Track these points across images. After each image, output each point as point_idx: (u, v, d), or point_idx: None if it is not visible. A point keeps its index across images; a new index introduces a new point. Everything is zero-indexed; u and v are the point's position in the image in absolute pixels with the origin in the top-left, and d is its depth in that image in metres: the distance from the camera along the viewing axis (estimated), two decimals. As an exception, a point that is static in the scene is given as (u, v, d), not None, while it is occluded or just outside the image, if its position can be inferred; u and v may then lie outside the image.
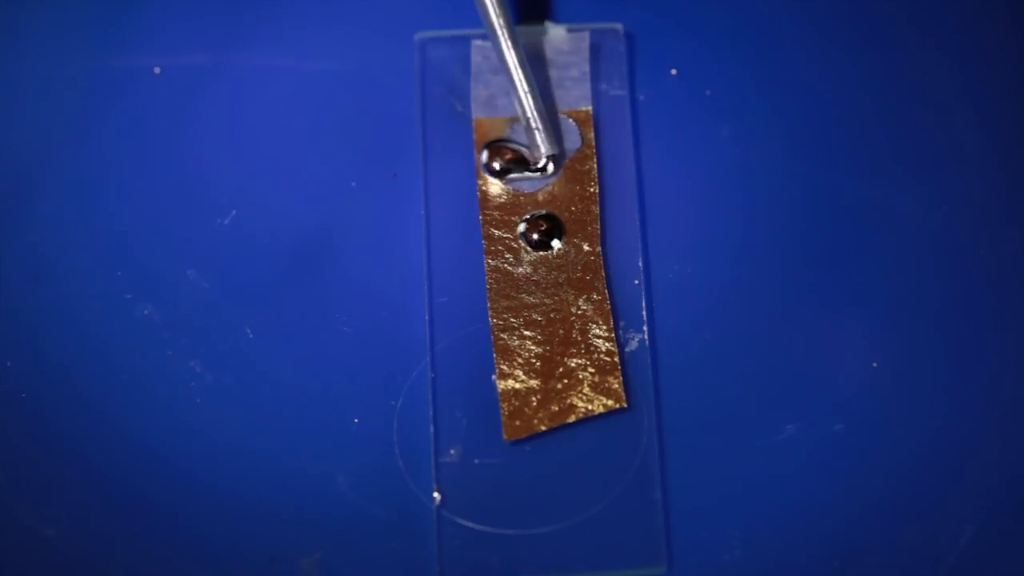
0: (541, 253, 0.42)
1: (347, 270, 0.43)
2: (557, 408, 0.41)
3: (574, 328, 0.41)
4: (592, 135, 0.43)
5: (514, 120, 0.43)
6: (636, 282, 0.42)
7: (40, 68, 0.45)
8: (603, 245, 0.42)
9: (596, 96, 0.44)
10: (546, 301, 0.42)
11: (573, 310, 0.42)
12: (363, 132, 0.44)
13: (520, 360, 0.41)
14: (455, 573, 0.39)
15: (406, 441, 0.41)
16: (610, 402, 0.41)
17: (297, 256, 0.43)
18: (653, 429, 0.41)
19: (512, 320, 0.41)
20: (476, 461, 0.40)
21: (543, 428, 0.40)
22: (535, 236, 0.42)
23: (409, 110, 0.44)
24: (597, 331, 0.41)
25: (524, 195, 0.43)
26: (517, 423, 0.40)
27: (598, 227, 0.42)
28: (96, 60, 0.45)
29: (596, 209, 0.43)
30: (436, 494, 0.40)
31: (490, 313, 0.41)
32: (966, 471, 0.41)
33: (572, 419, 0.40)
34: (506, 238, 0.42)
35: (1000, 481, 0.41)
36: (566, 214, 0.42)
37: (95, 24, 0.45)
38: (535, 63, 0.44)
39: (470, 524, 0.40)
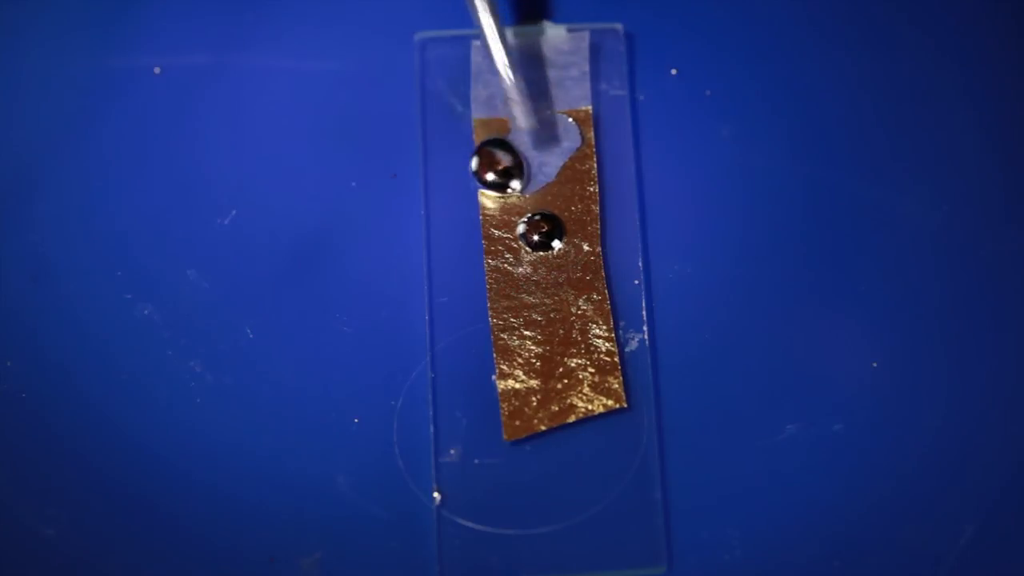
0: (541, 253, 0.42)
1: (347, 270, 0.43)
2: (557, 408, 0.41)
3: (574, 328, 0.41)
4: (592, 135, 0.43)
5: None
6: (636, 282, 0.42)
7: (40, 68, 0.45)
8: (603, 245, 0.42)
9: (596, 96, 0.44)
10: (546, 301, 0.42)
11: (573, 310, 0.42)
12: (363, 132, 0.44)
13: (520, 360, 0.41)
14: (455, 573, 0.39)
15: (406, 441, 0.41)
16: (610, 402, 0.41)
17: (297, 256, 0.43)
18: (653, 429, 0.41)
19: (512, 320, 0.41)
20: (476, 461, 0.40)
21: (543, 428, 0.40)
22: (535, 237, 0.42)
23: (409, 110, 0.44)
24: (597, 331, 0.41)
25: (524, 195, 0.43)
26: (517, 423, 0.40)
27: (598, 227, 0.42)
28: (96, 60, 0.45)
29: (596, 209, 0.43)
30: (436, 494, 0.40)
31: (490, 313, 0.42)
32: (966, 471, 0.41)
33: (572, 419, 0.41)
34: (506, 238, 0.42)
35: (1000, 481, 0.41)
36: (566, 214, 0.42)
37: (95, 24, 0.45)
38: (535, 63, 0.44)
39: (470, 524, 0.40)
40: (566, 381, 0.41)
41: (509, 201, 0.43)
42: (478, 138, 0.43)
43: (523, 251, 0.42)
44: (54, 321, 0.42)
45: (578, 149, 0.43)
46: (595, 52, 0.44)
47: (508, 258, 0.42)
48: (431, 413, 0.41)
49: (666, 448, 0.41)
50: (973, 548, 0.40)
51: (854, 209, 0.43)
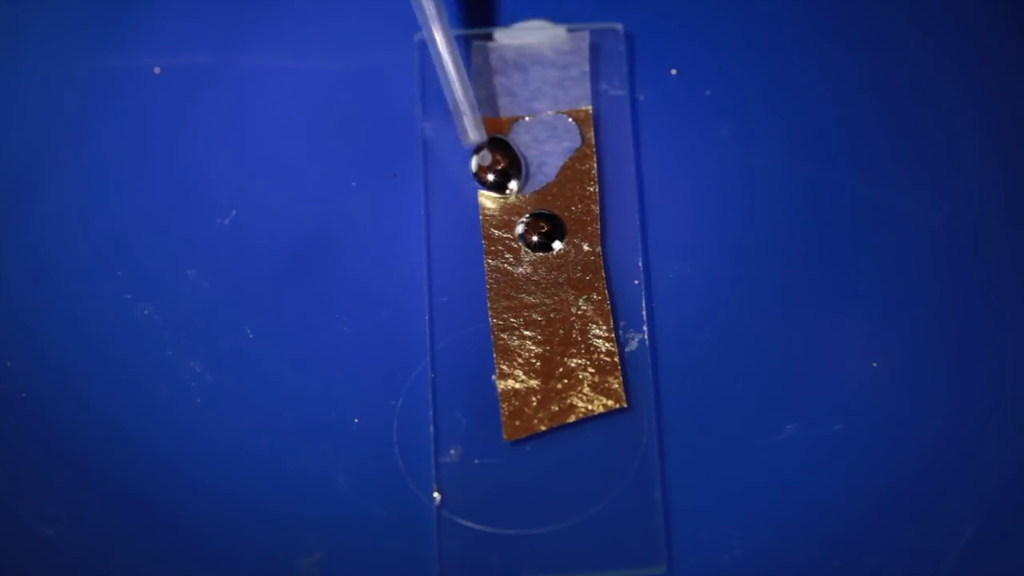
0: (541, 253, 0.42)
1: (347, 270, 0.43)
2: (557, 408, 0.41)
3: (574, 328, 0.41)
4: (592, 135, 0.43)
5: (515, 120, 0.43)
6: (636, 282, 0.42)
7: (40, 68, 0.45)
8: (603, 245, 0.42)
9: (596, 96, 0.44)
10: (546, 301, 0.42)
11: (573, 310, 0.42)
12: (363, 132, 0.44)
13: (520, 360, 0.41)
14: (455, 573, 0.39)
15: (406, 441, 0.41)
16: (610, 402, 0.41)
17: (297, 256, 0.43)
18: (653, 429, 0.41)
19: (512, 320, 0.41)
20: (476, 461, 0.40)
21: (543, 428, 0.40)
22: (534, 238, 0.42)
23: (409, 110, 0.44)
24: (597, 331, 0.41)
25: (523, 195, 0.43)
26: (517, 423, 0.40)
27: (598, 227, 0.42)
28: (96, 60, 0.45)
29: (596, 209, 0.43)
30: (436, 494, 0.40)
31: (490, 313, 0.41)
32: (966, 471, 0.41)
33: (572, 419, 0.40)
34: (506, 238, 0.42)
35: (1000, 481, 0.41)
36: (566, 214, 0.42)
37: (95, 24, 0.45)
38: (535, 63, 0.44)
39: (470, 524, 0.40)
40: (566, 381, 0.41)
41: (509, 201, 0.43)
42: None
43: (523, 251, 0.42)
44: (54, 321, 0.42)
45: (578, 149, 0.43)
46: (595, 52, 0.44)
47: (508, 258, 0.42)
48: (431, 413, 0.41)
49: (666, 448, 0.41)
50: (973, 548, 0.40)
51: (854, 209, 0.43)
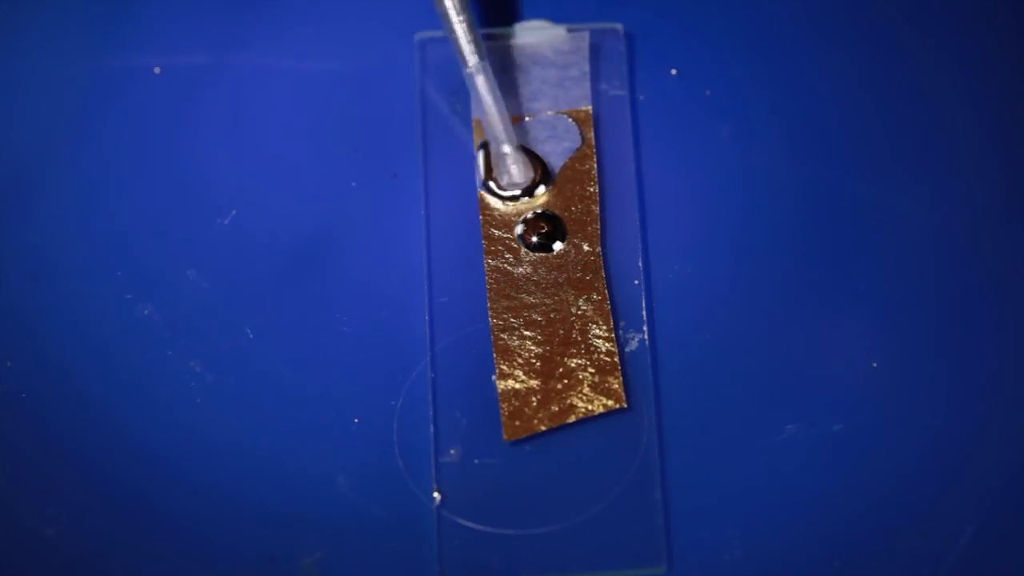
0: (541, 253, 0.42)
1: (347, 270, 0.43)
2: (557, 408, 0.41)
3: (574, 328, 0.41)
4: (592, 135, 0.43)
5: (515, 120, 0.43)
6: (636, 282, 0.42)
7: (40, 68, 0.45)
8: (603, 245, 0.42)
9: (596, 96, 0.44)
10: (546, 301, 0.42)
11: (573, 310, 0.42)
12: (363, 132, 0.44)
13: (520, 360, 0.41)
14: (455, 573, 0.39)
15: (406, 441, 0.41)
16: (610, 402, 0.41)
17: (297, 256, 0.43)
18: (653, 429, 0.41)
19: (512, 320, 0.41)
20: (476, 461, 0.40)
21: (543, 428, 0.40)
22: (534, 239, 0.42)
23: (409, 110, 0.44)
24: (597, 331, 0.41)
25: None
26: (517, 423, 0.40)
27: (598, 227, 0.42)
28: (96, 60, 0.45)
29: (596, 209, 0.43)
30: (436, 494, 0.40)
31: (490, 313, 0.41)
32: (966, 471, 0.41)
33: (572, 419, 0.40)
34: (506, 238, 0.42)
35: (1000, 481, 0.41)
36: (566, 214, 0.42)
37: (95, 24, 0.45)
38: (535, 63, 0.44)
39: (470, 524, 0.40)
40: (566, 381, 0.41)
41: (509, 201, 0.43)
42: (478, 138, 0.43)
43: (523, 251, 0.42)
44: (54, 321, 0.42)
45: (578, 149, 0.43)
46: (595, 52, 0.44)
47: (508, 258, 0.42)
48: (431, 413, 0.41)
49: (666, 448, 0.41)
50: (973, 548, 0.40)
51: (854, 209, 0.43)
